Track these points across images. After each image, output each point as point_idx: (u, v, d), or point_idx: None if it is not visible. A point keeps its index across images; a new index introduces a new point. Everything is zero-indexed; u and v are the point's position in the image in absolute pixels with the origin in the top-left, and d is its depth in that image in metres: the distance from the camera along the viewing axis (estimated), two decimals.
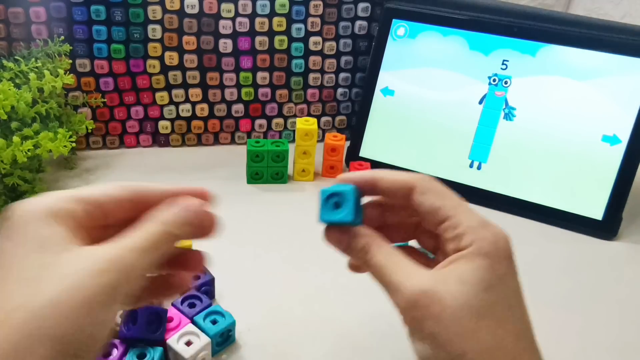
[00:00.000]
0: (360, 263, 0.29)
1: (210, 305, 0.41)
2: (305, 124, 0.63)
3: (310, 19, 0.69)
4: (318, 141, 0.65)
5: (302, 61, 0.71)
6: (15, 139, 0.51)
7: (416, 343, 0.27)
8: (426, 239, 0.32)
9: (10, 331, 0.21)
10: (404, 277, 0.27)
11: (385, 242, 0.29)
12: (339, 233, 0.30)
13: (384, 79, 0.67)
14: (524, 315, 0.28)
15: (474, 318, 0.26)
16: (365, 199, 0.31)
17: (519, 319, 0.28)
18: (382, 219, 0.32)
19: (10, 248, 0.23)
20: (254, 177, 0.64)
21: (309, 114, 0.74)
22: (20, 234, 0.24)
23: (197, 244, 0.50)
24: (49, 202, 0.25)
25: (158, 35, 0.66)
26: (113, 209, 0.27)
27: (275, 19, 0.67)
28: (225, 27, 0.66)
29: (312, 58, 0.71)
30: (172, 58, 0.67)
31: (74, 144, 0.55)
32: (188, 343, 0.38)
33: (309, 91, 0.73)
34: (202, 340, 0.38)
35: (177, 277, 0.31)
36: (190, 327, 0.39)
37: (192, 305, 0.41)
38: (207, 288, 0.44)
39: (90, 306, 0.22)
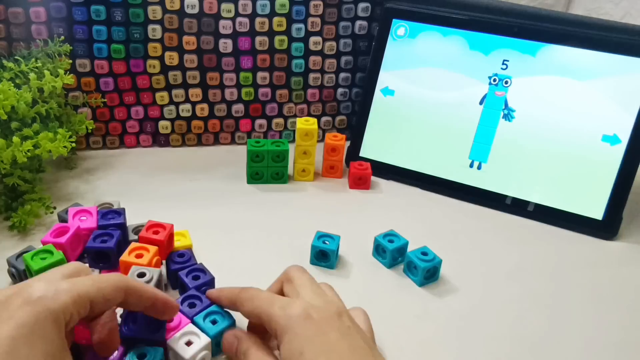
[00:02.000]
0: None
1: (210, 305, 0.41)
2: (306, 124, 0.63)
3: (310, 19, 0.69)
4: (318, 141, 0.65)
5: (302, 61, 0.71)
6: (15, 139, 0.51)
7: None
8: None
9: None
10: None
11: (262, 345, 0.36)
12: (232, 336, 0.38)
13: (384, 79, 0.67)
14: (349, 358, 0.33)
15: None
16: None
17: None
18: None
19: (23, 347, 0.26)
20: (254, 177, 0.64)
21: (309, 114, 0.74)
22: (34, 338, 0.27)
23: (197, 245, 0.50)
24: (69, 308, 0.29)
25: (158, 35, 0.66)
26: (101, 307, 0.32)
27: (276, 19, 0.67)
28: (225, 27, 0.66)
29: (312, 58, 0.71)
30: (172, 58, 0.67)
31: (74, 144, 0.55)
32: (188, 343, 0.38)
33: (309, 91, 0.73)
34: (202, 341, 0.38)
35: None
36: (191, 327, 0.39)
37: (192, 305, 0.41)
38: (207, 288, 0.44)
39: None
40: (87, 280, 0.31)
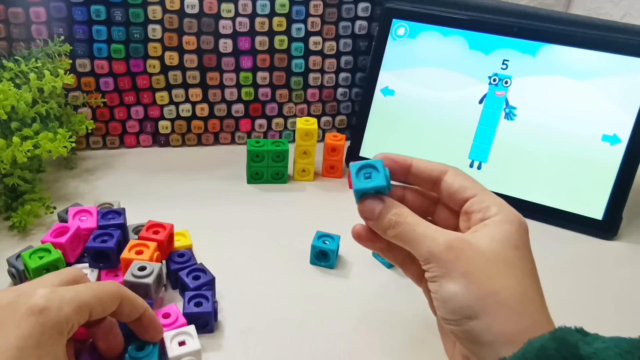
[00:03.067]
0: (389, 228, 0.32)
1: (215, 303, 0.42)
2: (306, 124, 0.63)
3: (310, 19, 0.69)
4: (318, 141, 0.65)
5: (302, 61, 0.71)
6: (15, 139, 0.51)
7: (446, 285, 0.29)
8: (444, 216, 0.35)
9: None
10: (437, 231, 0.30)
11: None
12: (375, 201, 0.34)
13: (384, 79, 0.67)
14: (538, 280, 0.31)
15: (505, 266, 0.29)
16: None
17: (536, 279, 0.31)
18: (403, 197, 0.36)
19: (29, 357, 0.27)
20: (254, 177, 0.64)
21: (309, 114, 0.74)
22: (40, 348, 0.27)
23: (197, 245, 0.50)
24: (72, 318, 0.29)
25: (158, 35, 0.66)
26: (98, 315, 0.32)
27: (275, 19, 0.67)
28: (225, 27, 0.66)
29: (312, 58, 0.71)
30: (172, 58, 0.67)
31: (73, 144, 0.55)
32: (181, 343, 0.38)
33: (309, 91, 0.73)
34: (193, 345, 0.38)
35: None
36: (189, 328, 0.39)
37: (198, 305, 0.42)
38: (208, 288, 0.44)
39: None
40: (88, 290, 0.31)
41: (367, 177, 0.34)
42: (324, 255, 0.50)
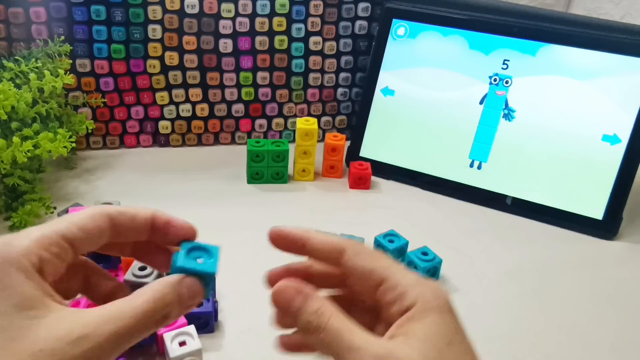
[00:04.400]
0: (309, 332, 0.27)
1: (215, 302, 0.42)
2: (306, 124, 0.63)
3: (310, 19, 0.69)
4: (318, 141, 0.65)
5: (302, 61, 0.71)
6: (15, 139, 0.51)
7: None
8: (360, 312, 0.29)
9: None
10: (364, 341, 0.25)
11: (336, 307, 0.27)
12: (294, 291, 0.28)
13: (384, 79, 0.67)
14: None
15: None
16: (296, 258, 0.32)
17: None
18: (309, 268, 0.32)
19: None
20: (254, 177, 0.64)
21: (309, 114, 0.74)
22: (1, 286, 0.23)
23: None
24: (32, 250, 0.24)
25: (158, 35, 0.66)
26: (93, 243, 0.26)
27: (276, 19, 0.67)
28: (225, 27, 0.66)
29: (312, 58, 0.71)
30: (172, 58, 0.67)
31: (74, 144, 0.55)
32: (182, 343, 0.38)
33: (309, 91, 0.73)
34: (194, 344, 0.38)
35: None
36: (189, 328, 0.39)
37: (198, 305, 0.42)
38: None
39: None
40: (57, 221, 0.26)
41: (197, 258, 0.29)
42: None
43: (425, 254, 0.49)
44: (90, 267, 0.29)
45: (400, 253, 0.51)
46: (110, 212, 0.27)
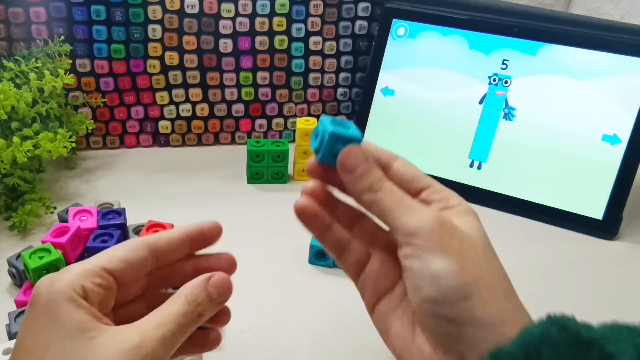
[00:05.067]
0: (368, 191, 0.29)
1: None
2: (306, 124, 0.63)
3: (310, 19, 0.69)
4: None
5: (302, 61, 0.71)
6: (15, 139, 0.51)
7: (435, 262, 0.27)
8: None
9: None
10: (423, 207, 0.28)
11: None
12: (361, 154, 0.29)
13: (384, 79, 0.67)
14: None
15: (487, 251, 0.29)
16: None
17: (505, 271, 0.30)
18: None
19: (43, 334, 0.24)
20: (254, 177, 0.64)
21: (309, 114, 0.74)
22: (52, 319, 0.25)
23: None
24: (76, 281, 0.26)
25: (158, 35, 0.66)
26: (136, 272, 0.29)
27: (276, 19, 0.67)
28: (225, 27, 0.66)
29: (312, 58, 0.71)
30: (172, 58, 0.67)
31: (74, 144, 0.55)
32: None
33: (309, 91, 0.73)
34: None
35: (211, 333, 0.31)
36: None
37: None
38: None
39: None
40: (100, 255, 0.28)
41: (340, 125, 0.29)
42: (322, 255, 0.50)
43: None
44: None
45: None
46: (147, 240, 0.29)
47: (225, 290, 0.29)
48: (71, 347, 0.24)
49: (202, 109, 0.71)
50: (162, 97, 0.69)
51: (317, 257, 0.50)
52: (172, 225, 0.48)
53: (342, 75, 0.73)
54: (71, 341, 0.24)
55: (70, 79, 0.58)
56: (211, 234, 0.32)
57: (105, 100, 0.68)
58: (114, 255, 0.28)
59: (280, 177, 0.64)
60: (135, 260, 0.28)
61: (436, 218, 0.27)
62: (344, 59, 0.72)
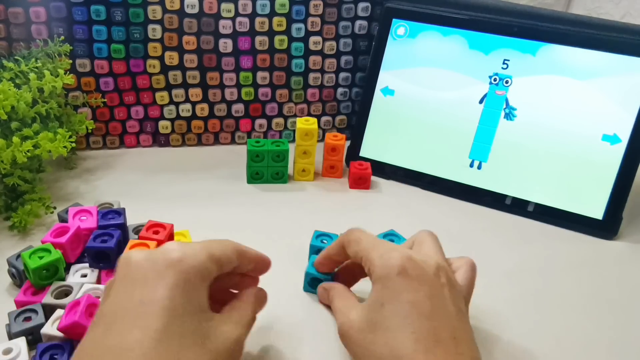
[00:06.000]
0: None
1: None
2: (306, 124, 0.63)
3: (310, 19, 0.69)
4: (318, 141, 0.65)
5: (302, 61, 0.71)
6: (15, 139, 0.51)
7: None
8: None
9: None
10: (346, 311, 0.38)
11: (344, 289, 0.41)
12: (321, 290, 0.44)
13: (384, 79, 0.67)
14: (427, 320, 0.32)
15: (370, 332, 0.33)
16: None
17: (417, 325, 0.32)
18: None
19: (180, 304, 0.29)
20: (254, 177, 0.64)
21: (309, 114, 0.74)
22: (187, 294, 0.29)
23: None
24: (206, 266, 0.31)
25: (158, 35, 0.66)
26: (231, 265, 0.34)
27: (275, 19, 0.67)
28: (225, 27, 0.66)
29: (312, 58, 0.71)
30: (172, 58, 0.67)
31: (73, 144, 0.55)
32: None
33: (309, 91, 0.73)
34: None
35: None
36: None
37: None
38: None
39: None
40: (212, 243, 0.33)
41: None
42: (319, 282, 0.46)
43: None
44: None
45: None
46: (237, 247, 0.35)
47: (264, 302, 0.38)
48: (192, 322, 0.28)
49: (202, 109, 0.71)
50: (162, 97, 0.69)
51: (312, 284, 0.47)
52: (172, 226, 0.48)
53: (342, 75, 0.73)
54: (192, 317, 0.29)
55: (70, 79, 0.58)
56: (266, 268, 0.39)
57: (105, 100, 0.68)
58: (225, 250, 0.33)
59: (280, 177, 0.64)
60: (232, 264, 0.34)
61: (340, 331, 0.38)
62: (344, 58, 0.72)
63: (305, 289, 0.48)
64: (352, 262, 0.42)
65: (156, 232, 0.46)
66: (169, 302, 0.28)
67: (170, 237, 0.47)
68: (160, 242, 0.45)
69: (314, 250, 0.50)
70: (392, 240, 0.51)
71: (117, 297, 0.29)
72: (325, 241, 0.50)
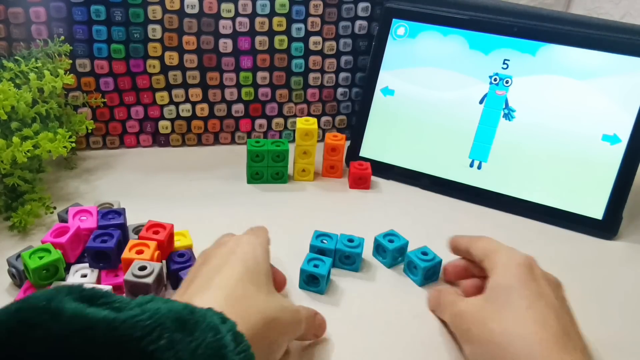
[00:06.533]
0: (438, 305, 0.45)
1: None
2: (306, 124, 0.63)
3: (310, 19, 0.69)
4: (318, 141, 0.65)
5: (302, 61, 0.71)
6: (15, 139, 0.51)
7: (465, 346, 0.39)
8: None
9: (257, 325, 0.33)
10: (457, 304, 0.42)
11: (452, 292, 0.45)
12: (434, 292, 0.46)
13: (384, 79, 0.67)
14: (552, 310, 0.37)
15: (494, 311, 0.38)
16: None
17: (544, 313, 0.36)
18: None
19: (257, 280, 0.37)
20: (254, 177, 0.64)
21: (309, 114, 0.74)
22: (262, 276, 0.37)
23: (197, 245, 0.50)
24: (266, 260, 0.40)
25: (158, 35, 0.66)
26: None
27: (275, 19, 0.67)
28: (225, 27, 0.66)
29: (312, 58, 0.71)
30: (172, 58, 0.67)
31: (73, 144, 0.55)
32: None
33: (309, 91, 0.73)
34: None
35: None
36: None
37: None
38: None
39: (285, 325, 0.36)
40: (260, 232, 0.45)
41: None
42: (314, 279, 0.47)
43: (425, 253, 0.49)
44: None
45: (400, 253, 0.51)
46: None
47: (324, 327, 0.42)
48: (267, 294, 0.36)
49: (202, 109, 0.71)
50: (162, 97, 0.69)
51: (307, 282, 0.48)
52: (172, 226, 0.48)
53: (342, 75, 0.73)
54: (267, 290, 0.37)
55: (70, 79, 0.58)
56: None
57: (105, 100, 0.68)
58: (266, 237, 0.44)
59: (280, 177, 0.64)
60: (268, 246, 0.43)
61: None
62: (343, 59, 0.72)
63: (301, 287, 0.48)
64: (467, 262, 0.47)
65: (156, 232, 0.46)
66: (241, 280, 0.36)
67: (171, 237, 0.47)
68: (160, 242, 0.45)
69: (314, 250, 0.50)
70: (391, 241, 0.51)
71: (209, 264, 0.37)
72: (325, 241, 0.50)
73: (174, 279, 0.46)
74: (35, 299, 0.24)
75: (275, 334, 0.35)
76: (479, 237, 0.45)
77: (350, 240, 0.50)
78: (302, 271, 0.47)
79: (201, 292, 0.34)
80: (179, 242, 0.49)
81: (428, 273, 0.48)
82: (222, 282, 0.35)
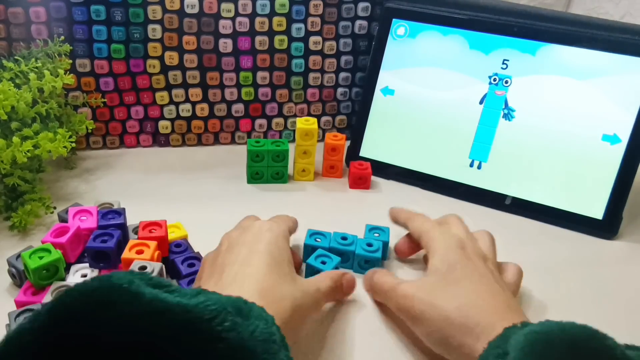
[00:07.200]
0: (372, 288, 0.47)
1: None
2: (306, 124, 0.63)
3: (310, 19, 0.69)
4: (318, 141, 0.65)
5: (302, 61, 0.71)
6: (15, 139, 0.51)
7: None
8: None
9: (285, 314, 0.35)
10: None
11: (388, 273, 0.46)
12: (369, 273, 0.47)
13: (384, 79, 0.67)
14: (493, 284, 0.40)
15: (440, 289, 0.40)
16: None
17: (485, 288, 0.40)
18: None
19: (281, 269, 0.39)
20: (254, 177, 0.64)
21: (309, 114, 0.74)
22: (285, 264, 0.40)
23: (197, 245, 0.50)
24: (287, 248, 0.42)
25: (158, 35, 0.66)
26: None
27: (275, 19, 0.67)
28: (225, 27, 0.66)
29: (312, 58, 0.71)
30: (172, 58, 0.67)
31: (73, 144, 0.55)
32: None
33: (309, 91, 0.73)
34: None
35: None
36: None
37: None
38: None
39: (307, 309, 0.39)
40: (282, 221, 0.47)
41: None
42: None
43: (370, 245, 0.50)
44: None
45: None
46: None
47: (352, 286, 0.45)
48: (291, 279, 0.39)
49: (202, 109, 0.71)
50: (162, 97, 0.69)
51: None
52: (165, 221, 0.48)
53: (342, 75, 0.73)
54: (289, 269, 0.40)
55: (70, 79, 0.58)
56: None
57: (105, 100, 0.68)
58: (286, 225, 0.46)
59: (280, 177, 0.64)
60: (292, 229, 0.48)
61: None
62: (343, 58, 0.72)
63: (306, 260, 0.48)
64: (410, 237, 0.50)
65: (152, 231, 0.47)
66: (267, 251, 0.39)
67: (166, 231, 0.48)
68: (160, 239, 0.45)
69: (308, 250, 0.49)
70: (377, 234, 0.51)
71: (236, 252, 0.40)
72: (319, 239, 0.50)
73: (173, 269, 0.46)
74: (116, 279, 0.27)
75: (299, 320, 0.37)
76: (415, 216, 0.49)
77: (369, 244, 0.50)
78: (307, 266, 0.47)
79: (234, 283, 0.37)
80: (173, 234, 0.50)
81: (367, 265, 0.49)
82: (253, 274, 0.37)
